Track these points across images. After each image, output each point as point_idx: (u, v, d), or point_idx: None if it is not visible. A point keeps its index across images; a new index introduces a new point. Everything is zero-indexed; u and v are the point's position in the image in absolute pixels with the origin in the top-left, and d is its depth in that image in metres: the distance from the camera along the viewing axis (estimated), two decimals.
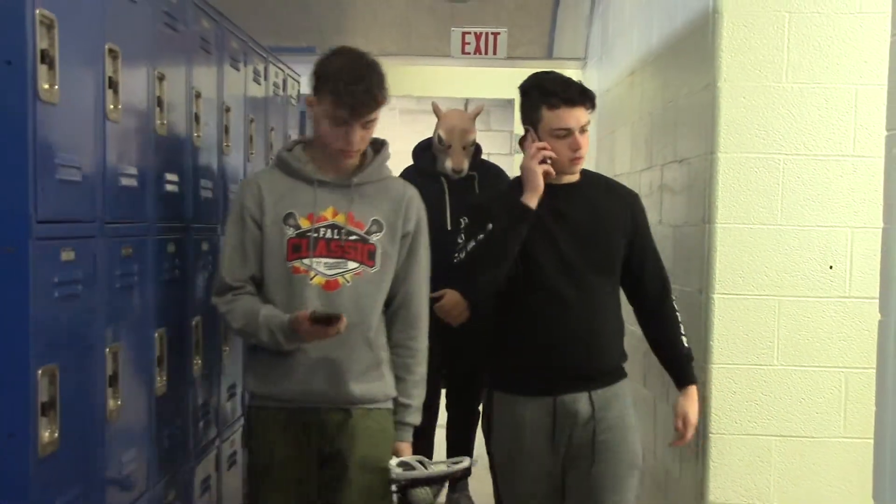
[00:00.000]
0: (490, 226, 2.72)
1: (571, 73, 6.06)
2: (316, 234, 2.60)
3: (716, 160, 3.04)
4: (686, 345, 2.85)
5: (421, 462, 2.68)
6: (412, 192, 2.77)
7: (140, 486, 2.50)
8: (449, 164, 4.09)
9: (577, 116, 2.71)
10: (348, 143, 2.56)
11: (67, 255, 2.08)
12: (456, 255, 2.79)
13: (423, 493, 2.62)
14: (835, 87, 2.94)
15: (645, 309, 2.90)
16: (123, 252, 2.37)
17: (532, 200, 2.70)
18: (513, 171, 4.84)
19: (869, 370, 2.31)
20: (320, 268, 2.60)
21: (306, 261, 2.59)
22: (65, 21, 2.01)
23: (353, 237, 2.63)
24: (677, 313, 2.86)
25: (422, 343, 2.75)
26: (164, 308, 2.67)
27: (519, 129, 6.29)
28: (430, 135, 4.28)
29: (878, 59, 2.63)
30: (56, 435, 2.00)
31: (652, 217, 3.73)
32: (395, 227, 2.67)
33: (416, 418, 2.74)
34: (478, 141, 4.23)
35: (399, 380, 2.71)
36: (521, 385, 2.82)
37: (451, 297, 4.06)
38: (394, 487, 2.63)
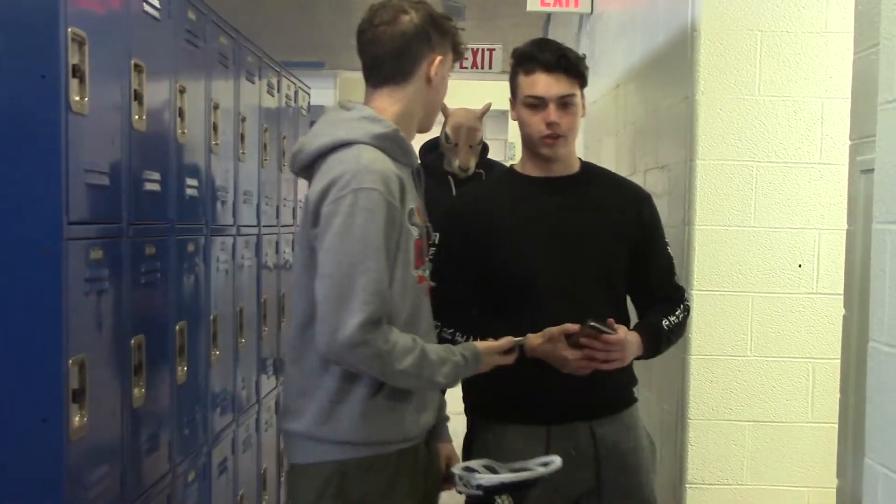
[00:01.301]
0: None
1: None
2: (427, 234, 2.03)
3: (694, 166, 3.05)
4: (666, 326, 2.26)
5: (489, 467, 2.01)
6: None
7: (163, 467, 2.51)
8: (456, 162, 3.87)
9: (550, 84, 2.17)
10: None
11: (96, 254, 2.09)
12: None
13: (506, 501, 1.95)
14: (803, 100, 2.95)
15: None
16: (147, 251, 2.38)
17: (504, 360, 2.03)
18: None
19: (834, 360, 2.31)
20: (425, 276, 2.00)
21: (423, 268, 1.97)
22: (95, 38, 2.02)
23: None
24: (684, 314, 2.33)
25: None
26: (184, 303, 2.68)
27: (513, 138, 6.23)
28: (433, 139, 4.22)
29: (843, 74, 2.63)
30: (86, 420, 2.01)
31: None
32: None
33: (444, 410, 2.17)
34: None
35: None
36: (506, 410, 2.24)
37: None
38: (471, 493, 1.96)
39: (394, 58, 1.93)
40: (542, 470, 1.98)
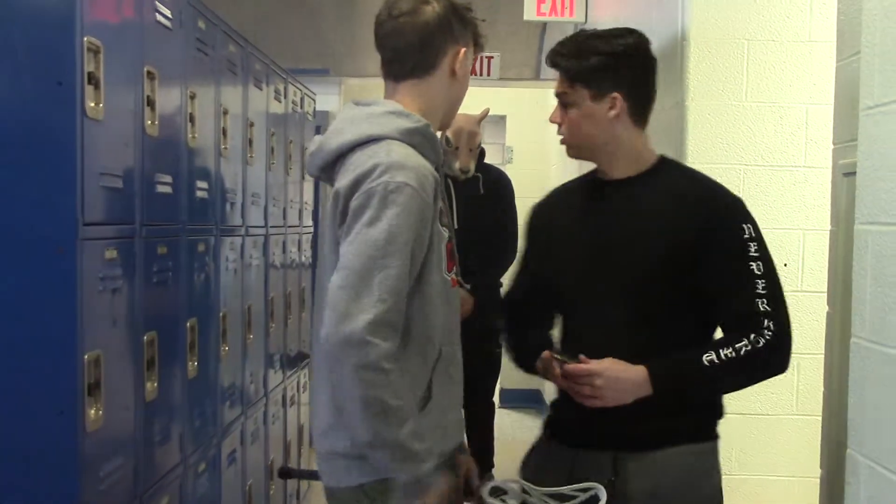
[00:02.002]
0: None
1: None
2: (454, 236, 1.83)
3: None
4: (708, 362, 1.76)
5: (524, 489, 1.80)
6: None
7: (174, 458, 2.52)
8: (457, 164, 3.94)
9: (556, 83, 1.93)
10: None
11: (110, 254, 2.09)
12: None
13: None
14: (788, 106, 2.96)
15: None
16: (159, 251, 2.38)
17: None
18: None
19: (818, 356, 2.31)
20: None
21: (454, 271, 1.81)
22: (109, 47, 2.03)
23: None
24: (746, 348, 1.77)
25: None
26: (195, 301, 2.68)
27: (511, 142, 6.20)
28: None
29: (826, 81, 2.64)
30: (101, 413, 2.01)
31: None
32: None
33: None
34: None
35: None
36: (548, 426, 2.04)
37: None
38: None
39: (417, 50, 1.77)
40: (581, 497, 1.74)
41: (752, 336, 1.76)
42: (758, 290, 1.79)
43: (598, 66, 1.86)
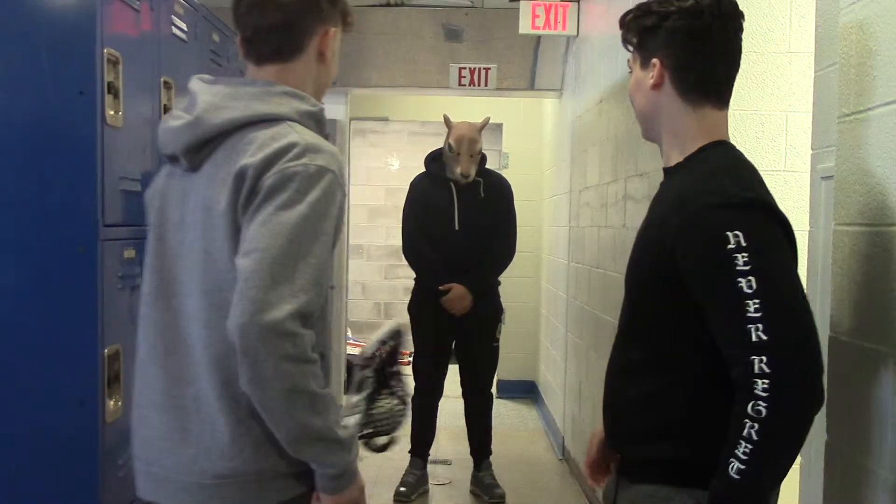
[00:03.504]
0: None
1: (550, 102, 6.06)
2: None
3: None
4: (735, 475, 1.30)
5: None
6: None
7: None
8: (458, 169, 3.98)
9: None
10: None
11: (129, 254, 2.08)
12: None
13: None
14: (769, 114, 2.94)
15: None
16: None
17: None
18: None
19: None
20: None
21: None
22: (128, 58, 2.02)
23: None
24: (754, 428, 1.29)
25: None
26: None
27: (507, 149, 6.21)
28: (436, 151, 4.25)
29: (805, 90, 2.62)
30: (119, 404, 2.00)
31: (616, 221, 3.72)
32: None
33: None
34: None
35: None
36: None
37: (457, 290, 4.05)
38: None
39: (280, 32, 1.48)
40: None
41: (751, 405, 1.29)
42: (748, 314, 1.31)
43: (641, 26, 1.52)
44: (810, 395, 1.30)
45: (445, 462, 4.72)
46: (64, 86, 1.89)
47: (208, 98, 1.45)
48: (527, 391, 6.70)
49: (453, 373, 4.29)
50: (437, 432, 4.29)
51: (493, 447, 4.35)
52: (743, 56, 1.54)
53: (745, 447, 1.29)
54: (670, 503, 1.38)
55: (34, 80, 1.89)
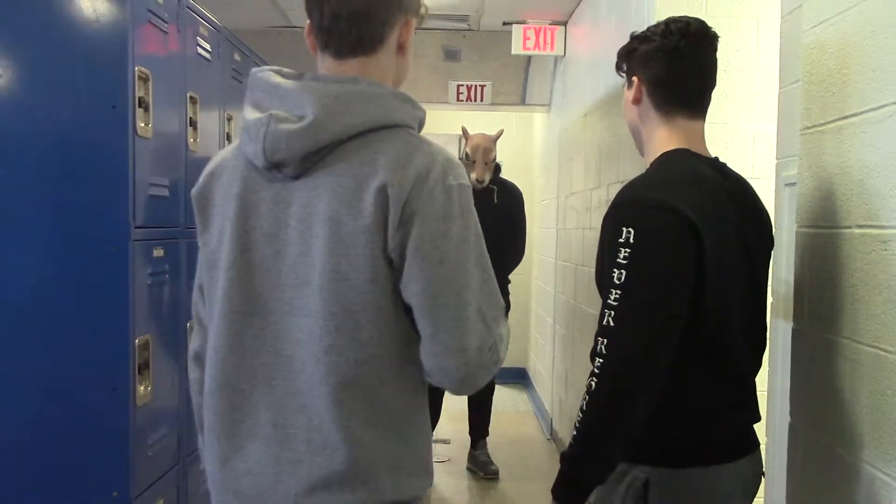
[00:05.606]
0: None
1: (539, 115, 6.06)
2: None
3: None
4: (571, 441, 1.35)
5: None
6: None
7: None
8: (473, 175, 4.00)
9: None
10: None
11: (158, 252, 2.08)
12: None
13: None
14: (737, 127, 2.94)
15: None
16: None
17: None
18: None
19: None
20: None
21: None
22: (157, 75, 2.01)
23: None
24: (585, 399, 1.33)
25: None
26: None
27: (500, 158, 6.22)
28: None
29: (770, 105, 2.63)
30: (149, 389, 2.00)
31: (599, 223, 3.71)
32: None
33: None
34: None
35: None
36: None
37: None
38: None
39: (363, 20, 1.21)
40: None
41: (588, 379, 1.33)
42: (608, 301, 1.32)
43: (626, 51, 1.54)
44: (624, 383, 1.31)
45: (445, 441, 4.72)
46: (98, 101, 1.89)
47: (319, 100, 1.17)
48: (518, 377, 6.71)
49: None
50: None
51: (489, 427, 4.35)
52: None
53: (578, 415, 1.33)
54: (625, 477, 1.37)
55: (71, 96, 1.89)
